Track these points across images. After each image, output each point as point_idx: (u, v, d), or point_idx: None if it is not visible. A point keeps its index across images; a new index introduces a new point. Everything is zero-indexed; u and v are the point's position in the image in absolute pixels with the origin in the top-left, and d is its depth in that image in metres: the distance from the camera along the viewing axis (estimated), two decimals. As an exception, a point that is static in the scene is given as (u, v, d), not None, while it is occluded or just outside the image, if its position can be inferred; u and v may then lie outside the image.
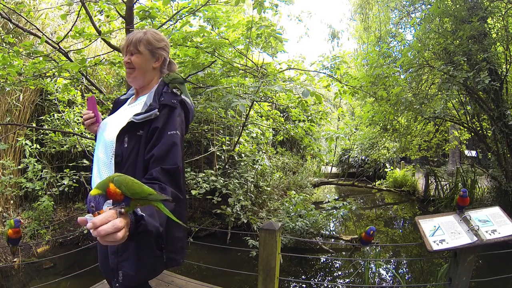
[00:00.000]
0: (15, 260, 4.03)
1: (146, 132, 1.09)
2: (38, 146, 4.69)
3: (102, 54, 3.92)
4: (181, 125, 1.14)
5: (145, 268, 1.10)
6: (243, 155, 5.52)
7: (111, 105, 1.52)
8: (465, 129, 6.66)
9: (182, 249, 1.22)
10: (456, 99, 5.91)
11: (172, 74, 1.26)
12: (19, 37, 4.61)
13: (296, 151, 9.88)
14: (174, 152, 1.04)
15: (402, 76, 5.66)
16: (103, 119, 1.31)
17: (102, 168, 1.15)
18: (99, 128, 1.27)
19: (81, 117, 1.38)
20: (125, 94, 1.42)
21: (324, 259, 4.61)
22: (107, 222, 0.70)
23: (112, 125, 1.19)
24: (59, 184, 4.44)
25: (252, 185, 5.62)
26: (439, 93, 5.08)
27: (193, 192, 4.22)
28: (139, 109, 1.16)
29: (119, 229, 0.70)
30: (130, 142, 1.10)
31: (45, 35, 3.31)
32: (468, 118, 5.96)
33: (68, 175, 4.40)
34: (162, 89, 1.20)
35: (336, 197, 9.23)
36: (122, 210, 0.75)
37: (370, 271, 3.87)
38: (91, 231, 0.69)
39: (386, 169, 10.47)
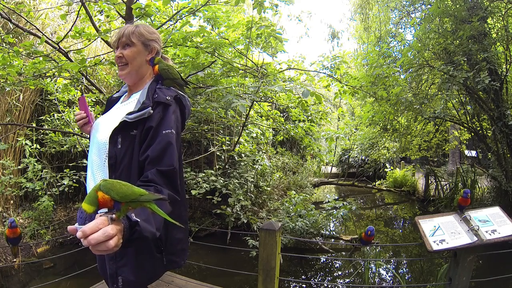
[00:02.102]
0: (15, 260, 4.03)
1: (140, 131, 1.04)
2: (38, 146, 4.69)
3: (102, 54, 3.92)
4: (177, 123, 1.09)
5: (145, 272, 1.07)
6: (243, 155, 5.51)
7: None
8: (465, 129, 6.67)
9: (183, 251, 1.19)
10: (456, 99, 5.91)
11: (171, 69, 1.19)
12: (19, 37, 4.61)
13: (296, 151, 9.88)
14: (169, 152, 1.00)
15: (402, 76, 5.66)
16: (97, 119, 1.26)
17: (96, 171, 1.10)
18: (92, 128, 1.22)
19: None
20: (118, 92, 1.36)
21: (324, 259, 4.61)
22: (98, 230, 0.66)
23: (105, 125, 1.14)
24: (59, 184, 4.45)
25: (252, 185, 5.62)
26: (439, 93, 5.09)
27: (193, 192, 4.22)
28: (132, 107, 1.11)
29: (111, 237, 0.66)
30: (123, 142, 1.05)
31: (45, 35, 3.31)
32: (468, 118, 5.96)
33: (68, 175, 4.41)
34: (155, 86, 1.15)
35: (336, 197, 9.23)
36: (113, 216, 0.71)
37: (370, 271, 3.87)
38: (81, 240, 0.65)
39: (386, 169, 10.48)
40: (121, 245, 0.70)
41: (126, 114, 1.06)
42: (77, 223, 0.71)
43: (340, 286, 3.85)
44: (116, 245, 0.68)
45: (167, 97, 1.09)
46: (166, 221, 0.81)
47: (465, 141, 8.98)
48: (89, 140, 1.24)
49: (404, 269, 4.43)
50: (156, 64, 1.18)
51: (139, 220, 0.76)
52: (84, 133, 1.37)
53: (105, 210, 0.74)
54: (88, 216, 0.70)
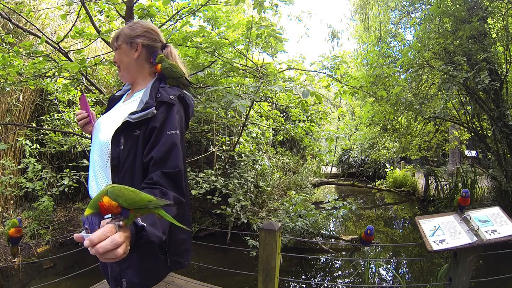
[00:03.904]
0: (15, 260, 4.03)
1: (143, 132, 1.01)
2: (38, 146, 4.69)
3: (102, 54, 3.93)
4: (181, 123, 1.07)
5: (149, 274, 1.06)
6: (243, 155, 5.51)
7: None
8: (465, 129, 6.67)
9: (187, 251, 1.17)
10: (456, 99, 5.91)
11: (174, 67, 1.15)
12: (19, 37, 4.61)
13: (296, 151, 9.88)
14: (174, 153, 0.98)
15: (402, 76, 5.66)
16: (98, 118, 1.23)
17: (98, 172, 1.08)
18: (94, 128, 1.19)
19: None
20: (120, 90, 1.33)
21: (324, 259, 4.61)
22: (105, 238, 0.64)
23: (107, 125, 1.10)
24: (59, 184, 4.44)
25: (252, 185, 5.62)
26: (439, 93, 5.08)
27: (193, 192, 4.22)
28: (135, 107, 1.08)
29: (119, 245, 0.65)
30: (126, 143, 1.02)
31: (45, 35, 3.31)
32: (468, 118, 5.97)
33: (68, 175, 4.40)
34: (159, 84, 1.12)
35: (336, 197, 9.23)
36: (121, 223, 0.69)
37: (370, 271, 3.87)
38: (89, 249, 0.63)
39: (386, 169, 10.48)
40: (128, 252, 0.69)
41: (129, 114, 1.03)
42: (83, 231, 0.70)
43: (340, 286, 3.85)
44: (124, 253, 0.66)
45: (170, 97, 1.05)
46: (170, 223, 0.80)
47: (465, 141, 8.98)
48: (91, 140, 1.21)
49: (404, 269, 4.42)
50: (159, 62, 1.15)
51: (145, 225, 0.74)
52: (85, 133, 1.34)
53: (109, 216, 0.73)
54: (84, 219, 0.68)
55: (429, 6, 5.43)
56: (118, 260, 0.67)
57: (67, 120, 4.47)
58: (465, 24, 4.43)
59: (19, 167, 4.56)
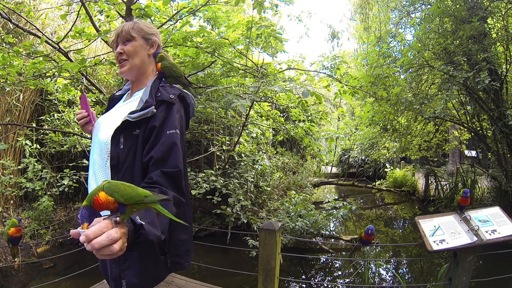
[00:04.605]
0: (15, 260, 4.03)
1: (143, 131, 1.01)
2: (38, 146, 4.69)
3: (102, 54, 3.92)
4: (181, 122, 1.06)
5: (149, 275, 1.05)
6: (243, 155, 5.51)
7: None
8: (465, 129, 6.67)
9: (188, 252, 1.16)
10: (456, 99, 5.92)
11: (174, 67, 1.17)
12: (19, 37, 4.61)
13: (296, 151, 9.88)
14: (174, 153, 0.97)
15: (402, 76, 5.66)
16: (98, 117, 1.23)
17: (98, 171, 1.08)
18: (94, 127, 1.19)
19: None
20: (120, 90, 1.33)
21: (324, 259, 4.61)
22: (101, 233, 0.64)
23: (107, 124, 1.11)
24: (59, 184, 4.44)
25: (252, 185, 5.62)
26: (439, 93, 5.08)
27: (193, 192, 4.22)
28: (135, 106, 1.08)
29: (115, 241, 0.64)
30: (126, 142, 1.02)
31: (45, 35, 3.31)
32: (468, 118, 5.97)
33: (68, 175, 4.40)
34: (159, 83, 1.12)
35: (336, 197, 9.23)
36: (117, 218, 0.69)
37: (370, 271, 3.87)
38: (85, 245, 0.63)
39: (386, 169, 10.48)
40: (125, 249, 0.69)
41: (129, 113, 1.03)
42: (79, 227, 0.70)
43: (340, 286, 3.85)
44: (120, 249, 0.66)
45: (170, 96, 1.05)
46: (171, 222, 0.79)
47: (465, 141, 8.99)
48: (91, 140, 1.21)
49: (404, 269, 4.43)
50: (159, 61, 1.16)
51: (143, 223, 0.73)
52: (85, 133, 1.34)
53: (108, 212, 0.72)
54: (79, 211, 0.69)
55: (429, 6, 5.43)
56: (115, 256, 0.66)
57: (67, 120, 4.47)
58: (465, 24, 4.43)
59: (19, 167, 4.56)
